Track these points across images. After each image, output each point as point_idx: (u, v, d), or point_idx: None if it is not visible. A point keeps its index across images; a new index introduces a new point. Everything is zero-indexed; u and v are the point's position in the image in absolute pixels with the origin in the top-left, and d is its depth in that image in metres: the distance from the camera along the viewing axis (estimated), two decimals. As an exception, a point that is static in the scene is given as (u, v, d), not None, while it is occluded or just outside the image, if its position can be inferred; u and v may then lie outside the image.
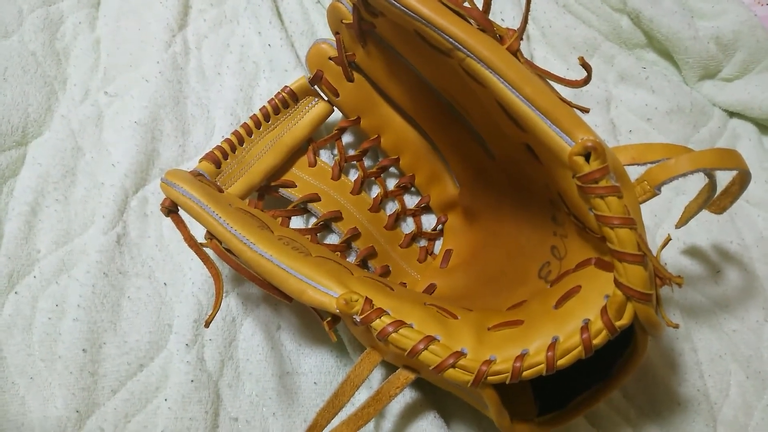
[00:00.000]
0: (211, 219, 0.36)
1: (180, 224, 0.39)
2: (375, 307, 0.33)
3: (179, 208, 0.38)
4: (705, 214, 0.48)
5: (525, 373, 0.31)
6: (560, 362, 0.31)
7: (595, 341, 0.30)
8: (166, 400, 0.43)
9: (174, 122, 0.53)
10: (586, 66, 0.33)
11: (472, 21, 0.32)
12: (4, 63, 0.53)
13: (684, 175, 0.32)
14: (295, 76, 0.52)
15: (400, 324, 0.33)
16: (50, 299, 0.46)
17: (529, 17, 0.60)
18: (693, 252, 0.50)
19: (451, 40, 0.31)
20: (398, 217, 0.51)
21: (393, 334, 0.32)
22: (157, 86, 0.54)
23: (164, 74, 0.55)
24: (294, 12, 0.60)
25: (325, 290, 0.34)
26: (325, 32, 0.60)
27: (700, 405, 0.44)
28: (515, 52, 0.32)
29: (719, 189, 0.39)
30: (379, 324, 0.33)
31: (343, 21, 0.43)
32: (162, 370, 0.45)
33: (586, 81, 0.34)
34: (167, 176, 0.38)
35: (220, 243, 0.37)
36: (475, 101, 0.40)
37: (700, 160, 0.32)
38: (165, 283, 0.47)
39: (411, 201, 0.53)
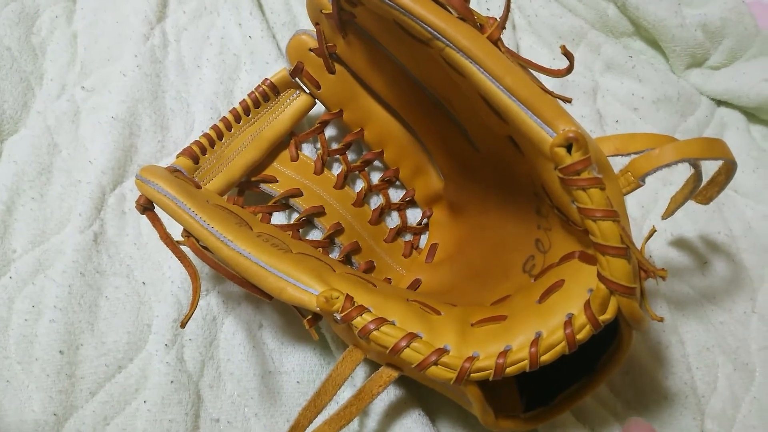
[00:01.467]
0: (187, 216, 0.36)
1: (156, 222, 0.38)
2: (356, 305, 0.33)
3: (155, 205, 0.37)
4: (692, 205, 0.47)
5: (508, 370, 0.31)
6: (543, 358, 0.30)
7: (579, 336, 0.30)
8: (145, 401, 0.43)
9: (152, 117, 0.52)
10: (568, 55, 0.32)
11: (451, 10, 0.32)
12: (-22, 58, 0.52)
13: (669, 165, 0.31)
14: (277, 69, 0.51)
15: (381, 321, 0.32)
16: (26, 300, 0.45)
17: (515, 6, 0.60)
18: (680, 243, 0.50)
19: (429, 29, 0.31)
20: (383, 212, 0.50)
21: (374, 332, 0.32)
22: (134, 80, 0.53)
23: (142, 68, 0.53)
24: (275, 3, 0.59)
25: (305, 288, 0.33)
26: (307, 23, 0.59)
27: (688, 398, 0.44)
28: (496, 41, 0.31)
29: (705, 179, 0.39)
30: (360, 322, 0.32)
31: (323, 11, 0.42)
32: (141, 371, 0.44)
33: (569, 70, 0.33)
34: (142, 173, 0.38)
35: (197, 241, 0.36)
36: (458, 92, 0.39)
37: (685, 150, 0.32)
38: (144, 282, 0.46)
39: (396, 195, 0.52)
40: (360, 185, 0.51)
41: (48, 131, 0.51)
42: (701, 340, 0.46)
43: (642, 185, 0.32)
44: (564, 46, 0.32)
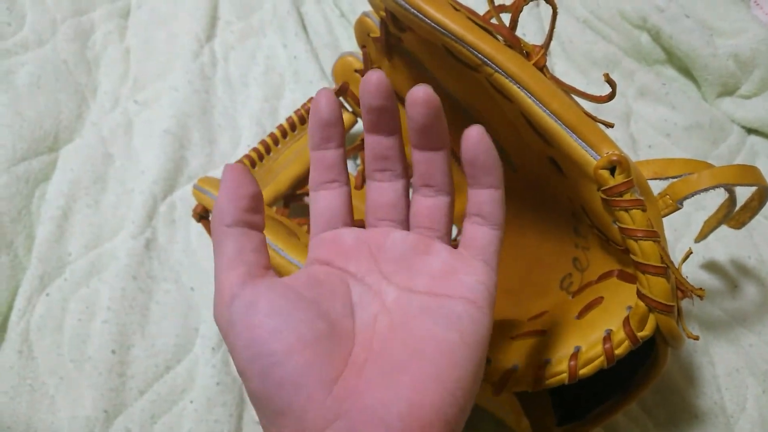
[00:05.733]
0: None
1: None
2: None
3: (210, 214, 0.39)
4: (724, 230, 0.48)
5: (547, 382, 0.32)
6: (582, 371, 0.31)
7: (617, 351, 0.31)
8: (191, 402, 0.44)
9: (201, 131, 0.54)
10: (610, 82, 0.33)
11: (499, 37, 0.33)
12: (38, 71, 0.55)
13: (706, 190, 0.33)
14: (319, 88, 0.53)
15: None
16: (80, 301, 0.47)
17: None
18: (711, 266, 0.51)
19: (479, 55, 0.32)
20: (418, 229, 0.52)
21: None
22: (185, 96, 0.55)
23: (192, 84, 0.56)
24: (319, 25, 0.62)
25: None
26: (349, 45, 0.61)
27: (717, 418, 0.44)
28: (541, 68, 0.33)
29: (738, 204, 0.40)
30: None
31: (370, 35, 0.44)
32: (188, 372, 0.45)
33: (611, 97, 0.34)
34: (200, 183, 0.39)
35: None
36: (500, 115, 0.41)
37: (722, 176, 0.33)
38: (192, 288, 0.48)
39: None
40: None
41: (102, 142, 0.53)
42: (731, 361, 0.47)
43: (680, 208, 0.33)
44: (607, 74, 0.33)
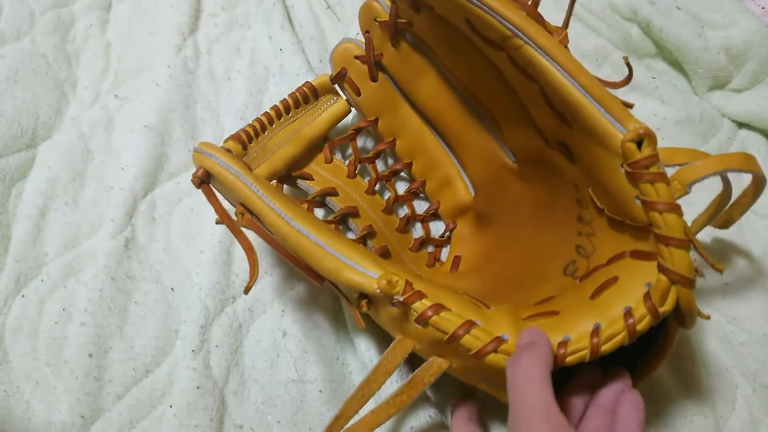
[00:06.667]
0: (249, 191, 0.35)
1: (211, 196, 0.37)
2: (415, 290, 0.33)
3: (210, 180, 0.37)
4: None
5: (568, 359, 0.32)
6: (604, 347, 0.31)
7: (639, 327, 0.31)
8: (171, 406, 0.43)
9: (184, 126, 0.53)
10: (629, 66, 0.35)
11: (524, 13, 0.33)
12: (16, 65, 0.53)
13: (711, 175, 0.34)
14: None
15: (440, 307, 0.32)
16: (57, 303, 0.46)
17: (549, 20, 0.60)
18: (700, 264, 0.50)
19: (510, 27, 0.32)
20: (408, 222, 0.51)
21: (434, 317, 0.32)
22: (167, 90, 0.54)
23: (174, 78, 0.55)
24: (304, 17, 0.60)
25: (363, 270, 0.33)
26: (335, 37, 0.60)
27: (707, 418, 0.44)
28: (565, 46, 0.33)
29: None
30: (420, 306, 0.32)
31: (377, 19, 0.44)
32: (168, 376, 0.45)
33: (628, 81, 0.36)
34: (201, 146, 0.37)
35: (254, 217, 0.36)
36: (506, 103, 0.41)
37: (727, 161, 0.34)
38: (172, 288, 0.47)
39: (420, 207, 0.53)
40: (387, 194, 0.52)
41: (81, 138, 0.52)
42: (721, 360, 0.46)
43: (688, 192, 0.33)
44: (626, 57, 0.35)
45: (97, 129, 0.53)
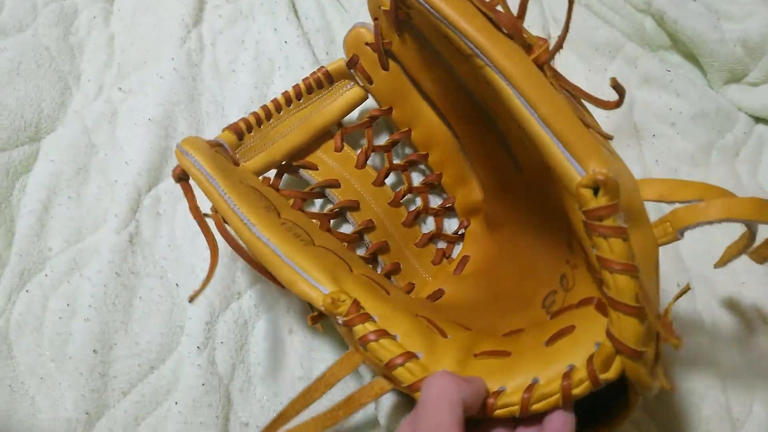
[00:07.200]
0: (217, 194, 0.36)
1: (188, 193, 0.39)
2: (361, 312, 0.32)
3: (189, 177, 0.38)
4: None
5: (496, 412, 0.30)
6: (534, 407, 0.29)
7: (575, 391, 0.28)
8: (176, 403, 0.43)
9: (188, 120, 0.53)
10: (618, 87, 0.30)
11: (502, 27, 0.30)
12: (18, 57, 0.53)
13: (712, 222, 0.29)
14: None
15: (382, 333, 0.32)
16: (62, 298, 0.45)
17: (550, 17, 0.59)
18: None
19: (470, 44, 0.30)
20: (418, 215, 0.50)
21: (373, 343, 0.32)
22: (171, 83, 0.53)
23: (179, 71, 0.54)
24: (310, 8, 0.59)
25: (315, 284, 0.33)
26: (341, 29, 0.59)
27: (722, 421, 0.43)
28: (542, 64, 0.30)
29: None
30: (361, 330, 0.32)
31: (381, 7, 0.42)
32: (173, 372, 0.44)
33: (619, 103, 0.31)
34: (183, 144, 0.38)
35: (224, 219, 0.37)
36: (504, 109, 0.39)
37: (733, 209, 0.28)
38: (177, 284, 0.47)
39: (434, 201, 0.52)
40: (399, 186, 0.51)
41: (85, 131, 0.51)
42: (737, 362, 0.45)
43: (680, 239, 0.29)
44: (614, 79, 0.30)
45: (101, 122, 0.52)
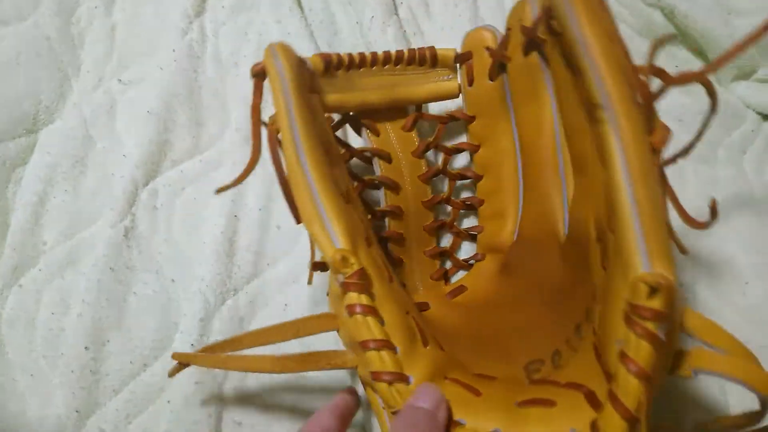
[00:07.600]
0: (284, 107, 0.33)
1: (258, 90, 0.36)
2: (363, 282, 0.31)
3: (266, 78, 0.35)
4: (737, 219, 0.46)
5: None
6: None
7: None
8: (169, 401, 0.42)
9: (188, 112, 0.52)
10: (713, 209, 0.31)
11: (638, 95, 0.28)
12: (18, 47, 0.52)
13: (723, 377, 0.27)
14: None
15: (371, 311, 0.31)
16: (55, 293, 0.45)
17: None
18: (725, 261, 0.48)
19: (605, 97, 0.27)
20: (442, 227, 0.49)
21: (357, 315, 0.31)
22: (171, 75, 0.53)
23: (179, 62, 0.53)
24: (314, 1, 0.58)
25: (332, 234, 0.32)
26: (345, 22, 0.58)
27: None
28: (656, 149, 0.28)
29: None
30: (354, 298, 0.31)
31: (522, 21, 0.40)
32: (166, 370, 0.43)
33: (707, 225, 0.31)
34: (277, 47, 0.36)
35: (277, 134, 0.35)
36: (593, 172, 0.35)
37: (753, 378, 0.26)
38: (173, 280, 0.46)
39: (461, 223, 0.51)
40: (440, 192, 0.49)
41: (84, 123, 0.51)
42: (740, 364, 0.45)
43: (693, 378, 0.28)
44: (715, 200, 0.31)
45: (100, 114, 0.52)
